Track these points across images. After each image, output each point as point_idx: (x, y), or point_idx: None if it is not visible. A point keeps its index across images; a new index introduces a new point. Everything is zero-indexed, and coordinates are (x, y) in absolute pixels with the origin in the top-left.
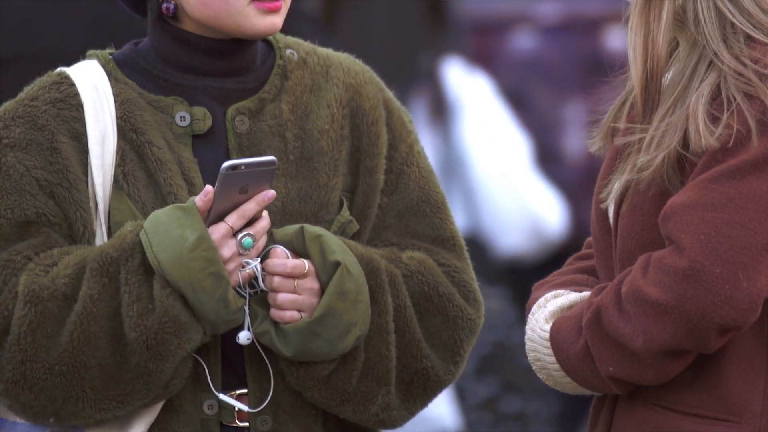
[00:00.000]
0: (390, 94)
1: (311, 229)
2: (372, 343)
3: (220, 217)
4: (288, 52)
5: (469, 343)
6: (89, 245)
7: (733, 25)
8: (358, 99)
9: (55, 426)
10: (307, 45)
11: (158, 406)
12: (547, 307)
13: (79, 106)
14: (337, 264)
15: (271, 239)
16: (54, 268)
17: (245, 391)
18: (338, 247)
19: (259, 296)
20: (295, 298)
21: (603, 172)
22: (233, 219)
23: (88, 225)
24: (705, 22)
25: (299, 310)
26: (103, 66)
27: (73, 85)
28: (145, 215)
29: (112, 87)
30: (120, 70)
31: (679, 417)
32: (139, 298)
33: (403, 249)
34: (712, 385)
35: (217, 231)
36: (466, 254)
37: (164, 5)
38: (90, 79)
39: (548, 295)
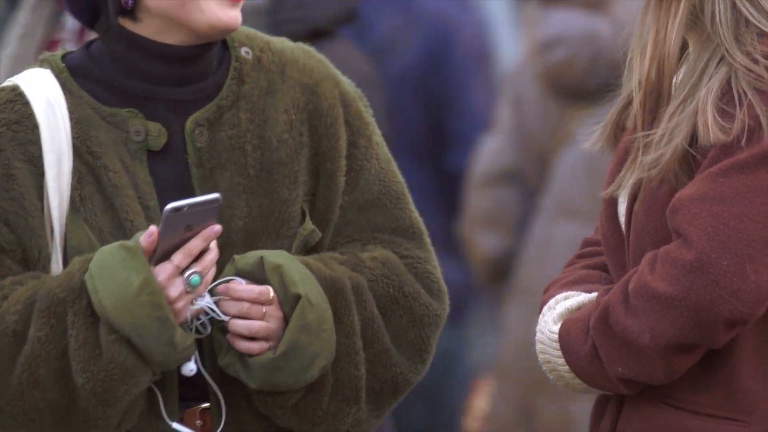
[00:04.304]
0: (346, 85)
1: (271, 259)
2: (341, 365)
3: (167, 254)
4: (243, 51)
5: (435, 338)
6: (44, 270)
7: (747, 22)
8: (315, 100)
9: None
10: (260, 39)
11: None
12: (557, 309)
13: (34, 128)
14: (298, 297)
15: (233, 266)
16: (5, 303)
17: (208, 405)
18: (299, 277)
19: (221, 326)
20: (265, 327)
21: (612, 170)
22: (179, 258)
23: (43, 250)
24: (721, 21)
25: (266, 339)
26: (57, 76)
27: (27, 103)
28: (102, 241)
29: (67, 101)
30: (74, 80)
31: (688, 416)
32: (85, 342)
33: (365, 245)
34: (722, 384)
35: (164, 271)
36: (427, 240)
37: None
38: (44, 95)
39: (559, 296)
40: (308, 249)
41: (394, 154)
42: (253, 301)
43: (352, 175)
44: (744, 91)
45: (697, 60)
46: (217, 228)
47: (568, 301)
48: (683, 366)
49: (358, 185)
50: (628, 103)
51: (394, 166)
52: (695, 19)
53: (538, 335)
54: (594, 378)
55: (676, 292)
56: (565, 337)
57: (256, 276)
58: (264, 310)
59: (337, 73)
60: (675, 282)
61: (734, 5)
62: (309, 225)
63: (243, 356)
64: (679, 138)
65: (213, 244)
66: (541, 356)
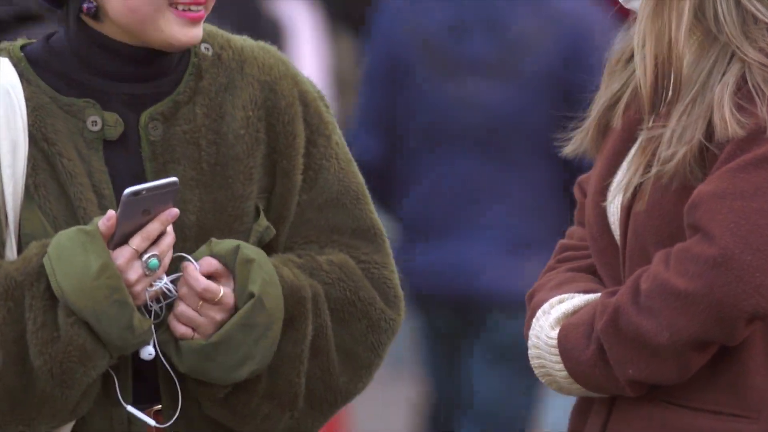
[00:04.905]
0: (307, 85)
1: (246, 251)
2: (283, 370)
3: (125, 238)
4: (203, 47)
5: (388, 346)
6: None
7: (755, 18)
8: (273, 98)
9: None
10: (221, 36)
11: (69, 426)
12: (552, 314)
13: None
14: (251, 296)
15: (208, 248)
16: None
17: (160, 406)
18: (263, 278)
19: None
20: (193, 317)
21: (604, 171)
22: (137, 241)
23: None
24: (725, 20)
25: (194, 329)
26: (15, 65)
27: None
28: (56, 228)
29: (24, 90)
30: (32, 70)
31: (692, 414)
32: (43, 325)
33: (323, 247)
34: (728, 381)
35: (122, 255)
36: (387, 243)
37: (85, 5)
38: (1, 82)
39: (553, 300)
40: (263, 246)
41: (523, 152)
42: (198, 295)
43: (310, 173)
44: (759, 86)
45: (702, 58)
46: (175, 211)
47: (563, 304)
48: (698, 364)
49: (317, 184)
50: (614, 103)
51: (355, 167)
52: (696, 20)
53: (534, 340)
54: (598, 381)
55: (698, 288)
56: (564, 342)
57: (228, 264)
58: (200, 304)
59: (298, 72)
60: (696, 278)
61: (739, 3)
62: (263, 222)
63: (177, 339)
64: (696, 134)
65: (170, 228)
66: (535, 361)
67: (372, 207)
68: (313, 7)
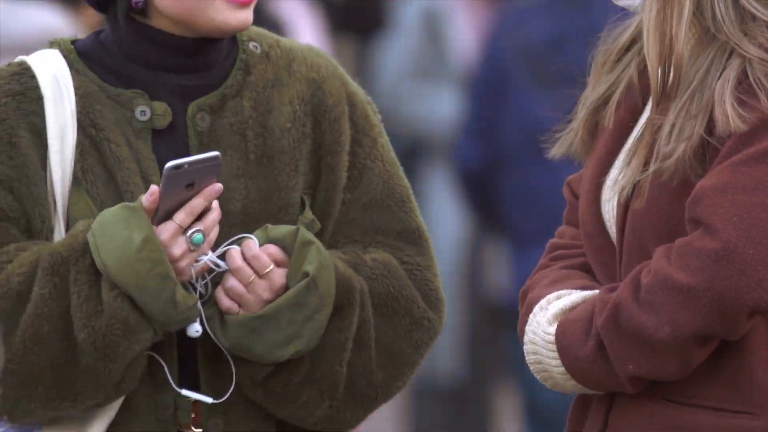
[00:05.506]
0: (354, 86)
1: (306, 234)
2: (326, 357)
3: (169, 214)
4: (251, 45)
5: (430, 346)
6: (47, 240)
7: (753, 17)
8: (320, 95)
9: (10, 424)
10: (270, 37)
11: (115, 406)
12: (550, 310)
13: (39, 99)
14: (305, 275)
15: (264, 232)
16: (9, 266)
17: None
18: (320, 260)
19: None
20: (242, 293)
21: (597, 170)
22: (181, 217)
23: (47, 221)
24: (723, 19)
25: (240, 306)
26: (65, 56)
27: (33, 77)
28: None
29: (73, 79)
30: (81, 61)
31: (693, 411)
32: (88, 299)
33: (366, 247)
34: (729, 376)
35: (166, 230)
36: (431, 246)
37: (133, 0)
38: (51, 70)
39: (550, 296)
40: None
41: None
42: (249, 260)
43: (354, 172)
44: (761, 80)
45: (700, 55)
46: (218, 186)
47: (560, 300)
48: (699, 359)
49: (361, 183)
50: (602, 104)
51: (400, 170)
52: (694, 18)
53: (530, 336)
54: (597, 378)
55: (699, 282)
56: (561, 339)
57: (286, 246)
58: (251, 279)
59: (345, 74)
60: (698, 272)
61: (737, 2)
62: (309, 214)
63: (223, 314)
64: (696, 129)
65: (215, 204)
66: (531, 357)
67: (417, 211)
68: (313, 7)
